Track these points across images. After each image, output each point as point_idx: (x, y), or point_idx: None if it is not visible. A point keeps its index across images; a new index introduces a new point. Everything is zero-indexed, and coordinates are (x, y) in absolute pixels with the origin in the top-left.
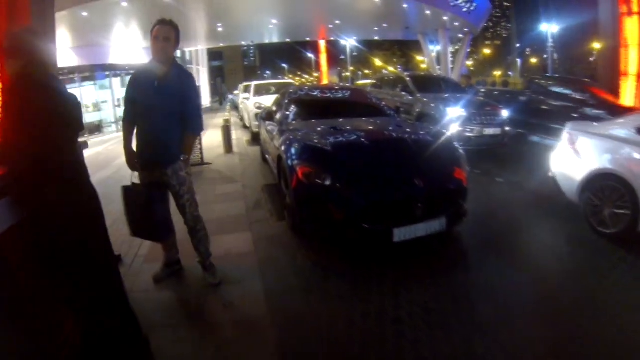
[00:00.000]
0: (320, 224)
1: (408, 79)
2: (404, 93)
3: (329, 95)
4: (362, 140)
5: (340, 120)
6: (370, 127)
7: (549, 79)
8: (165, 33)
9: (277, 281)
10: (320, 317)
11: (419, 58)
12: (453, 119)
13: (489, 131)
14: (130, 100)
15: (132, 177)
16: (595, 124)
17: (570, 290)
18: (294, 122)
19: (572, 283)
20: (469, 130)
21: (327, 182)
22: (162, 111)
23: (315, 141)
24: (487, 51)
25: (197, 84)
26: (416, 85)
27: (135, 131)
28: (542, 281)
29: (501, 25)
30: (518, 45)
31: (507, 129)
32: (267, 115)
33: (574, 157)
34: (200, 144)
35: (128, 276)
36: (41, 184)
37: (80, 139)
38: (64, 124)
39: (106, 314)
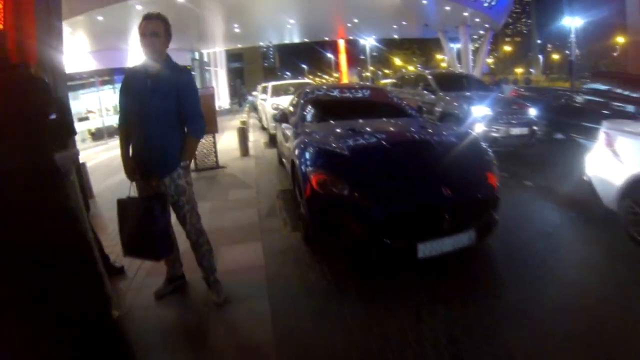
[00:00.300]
0: (336, 237)
1: (430, 77)
2: (425, 92)
3: (347, 95)
4: (383, 143)
5: (359, 121)
6: (392, 129)
7: (609, 76)
8: (153, 28)
9: (286, 301)
10: (332, 346)
11: (438, 56)
12: (478, 119)
13: (516, 131)
14: (124, 104)
15: (130, 189)
16: (635, 122)
17: (612, 315)
18: (309, 123)
19: (614, 305)
20: (494, 130)
21: (344, 192)
22: (156, 114)
23: (332, 145)
24: (507, 48)
25: (194, 81)
26: (438, 83)
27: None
28: (580, 302)
29: (521, 21)
30: (539, 41)
31: (534, 128)
32: (282, 117)
33: (612, 159)
34: (215, 146)
35: (129, 291)
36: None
37: (94, 143)
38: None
39: (90, 339)
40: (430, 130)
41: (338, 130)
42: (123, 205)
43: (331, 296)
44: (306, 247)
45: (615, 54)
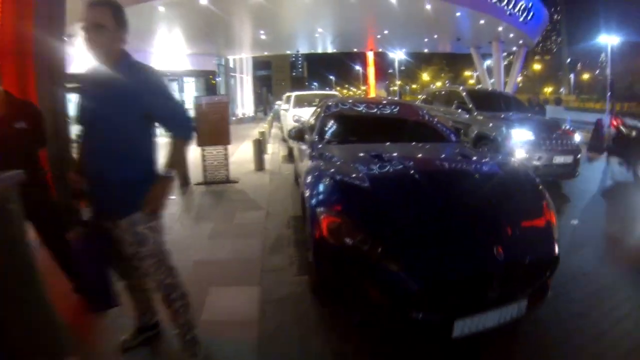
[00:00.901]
0: (350, 304)
1: (464, 93)
2: (460, 110)
3: (375, 111)
4: (417, 178)
5: (388, 145)
6: (428, 159)
7: None
8: (96, 17)
9: None
10: None
11: (467, 73)
12: (518, 144)
13: (560, 159)
14: (79, 118)
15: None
16: None
17: None
18: (328, 145)
19: None
20: (536, 157)
21: (364, 247)
22: (109, 132)
23: (352, 177)
24: (537, 67)
25: (162, 79)
26: (474, 101)
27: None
28: None
29: (551, 39)
30: (569, 60)
31: (578, 156)
32: (297, 134)
33: None
34: (227, 159)
35: (98, 331)
36: None
37: None
38: None
39: None
40: (474, 162)
41: (361, 157)
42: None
43: None
44: (312, 300)
45: None
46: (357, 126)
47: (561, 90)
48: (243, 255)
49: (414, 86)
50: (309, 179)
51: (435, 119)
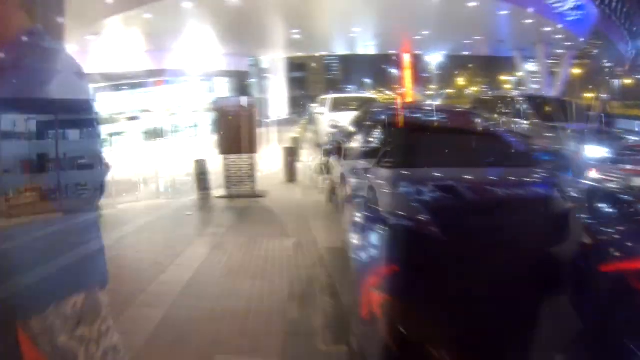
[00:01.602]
0: None
1: (521, 99)
2: (518, 120)
3: (438, 123)
4: (512, 229)
5: (462, 171)
6: (525, 199)
7: None
8: None
9: None
10: None
11: (502, 78)
12: (591, 161)
13: (638, 181)
14: None
15: None
16: None
17: None
18: (381, 168)
19: None
20: (612, 179)
21: (437, 346)
22: None
23: (420, 225)
24: (575, 71)
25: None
26: (534, 109)
27: None
28: None
29: (589, 42)
30: (609, 64)
31: None
32: (334, 150)
33: None
34: (252, 169)
35: None
36: None
37: None
38: None
39: None
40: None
41: (431, 192)
42: None
43: None
44: None
45: None
46: (419, 143)
47: (602, 96)
48: (263, 304)
49: (449, 90)
50: (356, 218)
51: (517, 136)
